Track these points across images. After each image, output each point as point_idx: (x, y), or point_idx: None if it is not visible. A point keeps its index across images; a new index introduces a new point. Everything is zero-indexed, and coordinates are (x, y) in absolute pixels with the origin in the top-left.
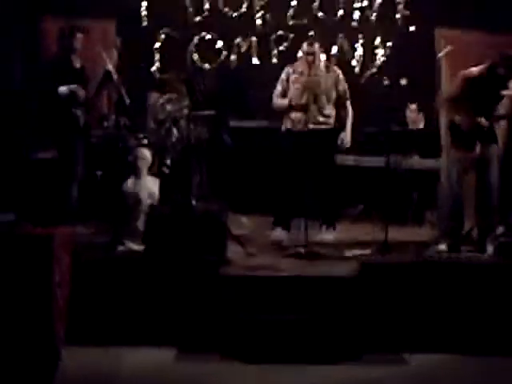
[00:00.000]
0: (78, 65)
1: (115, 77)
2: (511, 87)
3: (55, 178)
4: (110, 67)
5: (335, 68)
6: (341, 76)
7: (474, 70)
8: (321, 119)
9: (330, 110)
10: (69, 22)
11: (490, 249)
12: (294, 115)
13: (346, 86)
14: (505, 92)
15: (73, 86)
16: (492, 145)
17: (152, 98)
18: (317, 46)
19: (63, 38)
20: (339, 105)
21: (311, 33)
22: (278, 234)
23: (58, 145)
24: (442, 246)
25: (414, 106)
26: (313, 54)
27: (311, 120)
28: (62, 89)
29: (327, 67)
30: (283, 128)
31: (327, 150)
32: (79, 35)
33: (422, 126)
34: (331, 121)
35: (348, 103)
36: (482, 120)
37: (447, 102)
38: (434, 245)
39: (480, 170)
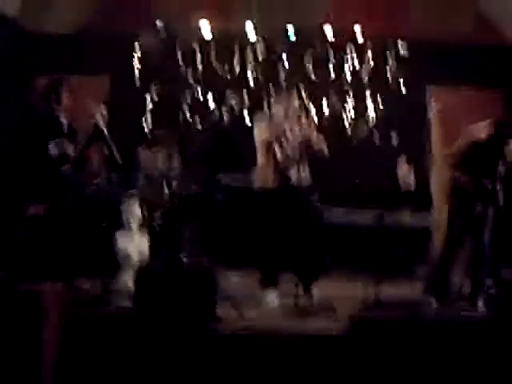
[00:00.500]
0: (65, 121)
1: (106, 133)
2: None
3: (46, 235)
4: (101, 123)
5: (310, 125)
6: (315, 134)
7: (482, 132)
8: (302, 174)
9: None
10: (54, 78)
11: (481, 304)
12: (275, 170)
13: (322, 142)
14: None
15: (63, 144)
16: (491, 205)
17: (142, 155)
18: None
19: (48, 90)
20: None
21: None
22: (270, 299)
23: (49, 202)
24: (433, 301)
25: (403, 162)
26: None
27: (293, 176)
28: (53, 148)
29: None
30: (259, 185)
31: (310, 206)
32: (64, 87)
33: (412, 181)
34: (309, 178)
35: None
36: (486, 181)
37: (451, 161)
38: (425, 301)
39: (476, 229)
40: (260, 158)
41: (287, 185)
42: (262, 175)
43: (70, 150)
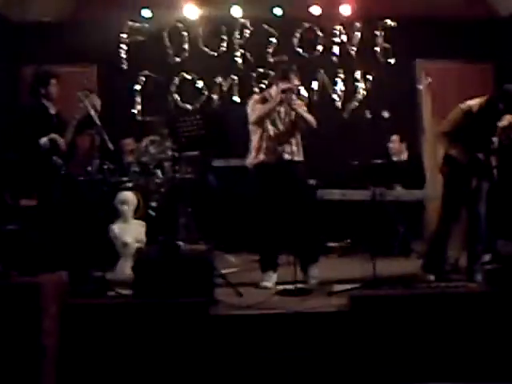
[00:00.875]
0: (52, 111)
1: (97, 121)
2: (504, 119)
3: (39, 226)
4: (92, 112)
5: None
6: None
7: (474, 104)
8: (294, 149)
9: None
10: (43, 68)
11: (478, 277)
12: (268, 146)
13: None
14: (499, 124)
15: (53, 136)
16: (486, 179)
17: (125, 146)
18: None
19: (37, 83)
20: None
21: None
22: (270, 281)
23: (39, 193)
24: (431, 277)
25: (395, 137)
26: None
27: (286, 151)
28: (43, 140)
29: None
30: (255, 161)
31: (304, 182)
32: (53, 81)
33: (405, 156)
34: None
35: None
36: (480, 154)
37: (444, 135)
38: (424, 277)
39: (472, 203)
40: (253, 134)
41: (281, 160)
42: (255, 151)
43: (61, 141)
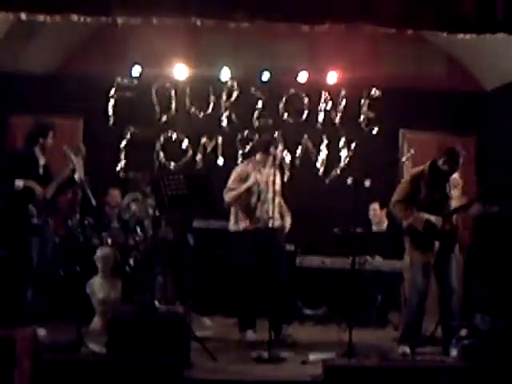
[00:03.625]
0: (42, 162)
1: (82, 177)
2: (452, 179)
3: (9, 278)
4: (77, 167)
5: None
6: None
7: (419, 169)
8: (277, 217)
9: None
10: (43, 120)
11: (454, 351)
12: (254, 214)
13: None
14: (452, 193)
15: (30, 183)
16: (450, 242)
17: (112, 197)
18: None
19: (37, 134)
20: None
21: (276, 134)
22: (249, 336)
23: (10, 243)
24: (406, 349)
25: (375, 205)
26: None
27: (270, 219)
28: (18, 182)
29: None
30: (240, 227)
31: (284, 248)
32: (51, 133)
33: (385, 225)
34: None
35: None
36: (432, 218)
37: (398, 203)
38: (398, 347)
39: (440, 272)
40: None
41: (265, 227)
42: (235, 217)
43: (38, 190)
